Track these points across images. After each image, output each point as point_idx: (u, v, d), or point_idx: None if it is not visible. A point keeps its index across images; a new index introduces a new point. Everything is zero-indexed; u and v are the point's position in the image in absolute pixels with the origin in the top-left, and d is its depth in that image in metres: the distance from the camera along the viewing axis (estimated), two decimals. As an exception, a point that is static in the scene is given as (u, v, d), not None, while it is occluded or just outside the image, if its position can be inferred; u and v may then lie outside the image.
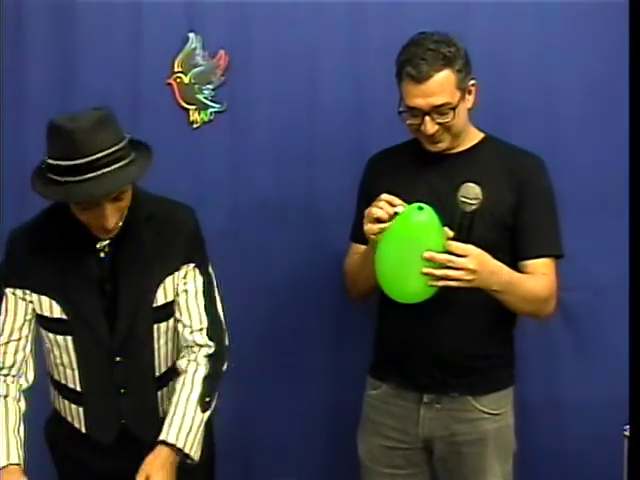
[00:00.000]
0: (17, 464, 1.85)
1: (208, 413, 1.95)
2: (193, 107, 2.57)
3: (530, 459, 2.50)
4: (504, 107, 2.56)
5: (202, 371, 1.97)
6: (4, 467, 1.83)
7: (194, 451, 1.91)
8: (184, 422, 1.90)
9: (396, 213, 1.91)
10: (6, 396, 1.93)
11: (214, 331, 2.01)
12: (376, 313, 2.25)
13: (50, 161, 1.76)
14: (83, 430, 2.04)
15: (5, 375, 1.95)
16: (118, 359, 1.97)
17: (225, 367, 2.03)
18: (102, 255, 1.93)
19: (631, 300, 2.04)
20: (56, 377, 2.04)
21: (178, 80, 2.54)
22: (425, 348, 2.11)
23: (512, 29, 2.58)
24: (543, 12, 2.58)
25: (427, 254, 1.86)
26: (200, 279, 2.00)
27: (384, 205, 1.93)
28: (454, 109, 2.01)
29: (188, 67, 2.56)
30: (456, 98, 2.02)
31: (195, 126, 2.59)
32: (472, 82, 2.07)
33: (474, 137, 2.16)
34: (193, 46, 2.54)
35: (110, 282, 1.94)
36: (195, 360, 1.98)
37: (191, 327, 1.99)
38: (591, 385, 2.60)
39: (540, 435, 2.60)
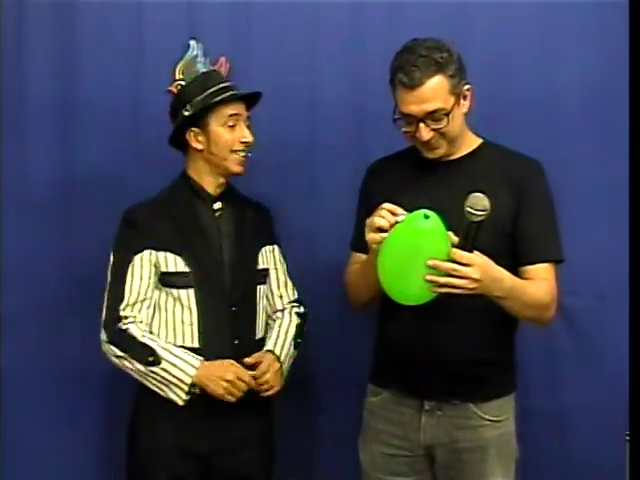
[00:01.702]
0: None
1: (295, 352, 2.33)
2: (195, 114, 2.58)
3: (532, 465, 2.48)
4: (504, 107, 2.57)
5: (295, 320, 2.37)
6: (202, 362, 2.19)
7: (285, 373, 2.28)
8: (284, 347, 2.30)
9: (397, 222, 1.90)
10: (146, 330, 2.24)
11: (301, 302, 2.42)
12: (376, 319, 2.24)
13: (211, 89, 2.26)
14: (197, 390, 2.20)
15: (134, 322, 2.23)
16: (234, 309, 2.24)
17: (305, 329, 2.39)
18: (217, 215, 2.29)
19: (632, 305, 2.04)
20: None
21: (179, 87, 2.54)
22: (425, 355, 2.10)
23: (512, 29, 2.59)
24: (543, 12, 2.58)
25: (431, 262, 1.85)
26: (284, 261, 2.41)
27: (386, 214, 1.92)
28: (448, 115, 2.00)
29: (189, 74, 2.56)
30: (450, 103, 2.01)
31: (196, 133, 2.60)
32: (467, 87, 2.06)
33: (472, 143, 2.15)
34: (194, 53, 2.54)
35: (225, 239, 2.27)
36: (289, 313, 2.38)
37: (288, 297, 2.39)
38: (592, 390, 2.59)
39: (542, 441, 2.59)
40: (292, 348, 2.33)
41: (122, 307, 2.21)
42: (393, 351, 2.18)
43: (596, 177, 2.60)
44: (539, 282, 2.05)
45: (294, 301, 2.41)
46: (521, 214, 2.07)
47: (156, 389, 2.20)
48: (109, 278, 2.25)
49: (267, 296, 2.38)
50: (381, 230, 1.92)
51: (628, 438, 2.09)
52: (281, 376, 2.27)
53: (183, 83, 2.32)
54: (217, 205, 2.30)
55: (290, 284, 2.41)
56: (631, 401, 1.97)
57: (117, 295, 2.22)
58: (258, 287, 2.33)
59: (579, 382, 2.60)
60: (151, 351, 2.18)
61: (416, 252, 1.87)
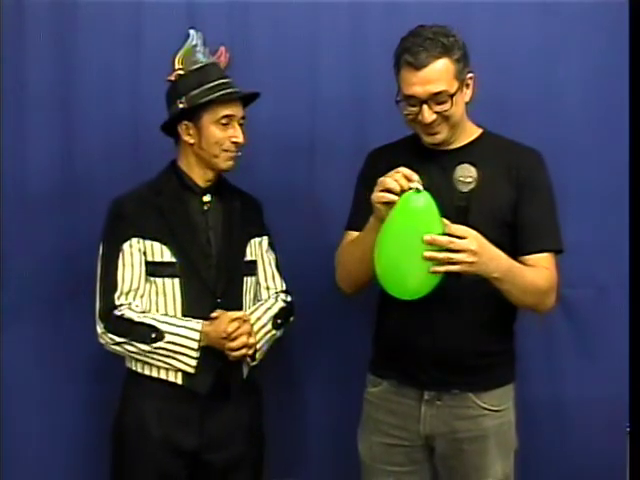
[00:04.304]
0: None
1: (274, 332, 2.29)
2: (194, 104, 2.58)
3: (531, 456, 2.50)
4: (505, 105, 2.57)
5: (280, 303, 2.33)
6: (202, 323, 2.18)
7: (258, 346, 2.23)
8: (258, 321, 2.25)
9: (411, 189, 1.88)
10: (140, 310, 2.22)
11: (289, 292, 2.38)
12: (376, 309, 2.24)
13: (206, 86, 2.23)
14: (179, 381, 2.19)
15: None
16: (219, 300, 2.22)
17: (292, 319, 2.36)
18: (205, 208, 2.26)
19: (631, 297, 2.04)
20: None
21: (178, 76, 2.53)
22: (425, 345, 2.10)
23: (512, 28, 2.60)
24: (543, 11, 2.59)
25: (428, 237, 1.84)
26: (273, 252, 2.38)
27: (400, 178, 1.90)
28: (452, 97, 2.00)
29: (189, 64, 2.55)
30: (454, 87, 2.01)
31: (196, 122, 2.60)
32: (470, 75, 2.07)
33: (472, 132, 2.15)
34: (194, 43, 2.53)
35: (212, 231, 2.25)
36: (275, 298, 2.34)
37: (275, 288, 2.36)
38: (593, 382, 2.60)
39: (541, 432, 2.59)
40: (270, 324, 2.28)
41: (116, 296, 2.20)
42: (393, 341, 2.18)
43: (596, 170, 2.61)
44: (539, 269, 2.05)
45: (282, 292, 2.38)
46: (521, 204, 2.07)
47: (163, 364, 2.18)
48: (100, 269, 2.24)
49: (260, 290, 2.36)
50: (389, 193, 1.89)
51: (628, 430, 2.09)
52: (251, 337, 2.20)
53: (182, 72, 2.30)
54: (206, 198, 2.28)
55: (278, 276, 2.38)
56: (631, 392, 1.97)
57: (110, 285, 2.21)
58: (245, 279, 2.30)
59: (579, 374, 2.61)
60: (152, 328, 2.16)
61: (411, 235, 1.86)
